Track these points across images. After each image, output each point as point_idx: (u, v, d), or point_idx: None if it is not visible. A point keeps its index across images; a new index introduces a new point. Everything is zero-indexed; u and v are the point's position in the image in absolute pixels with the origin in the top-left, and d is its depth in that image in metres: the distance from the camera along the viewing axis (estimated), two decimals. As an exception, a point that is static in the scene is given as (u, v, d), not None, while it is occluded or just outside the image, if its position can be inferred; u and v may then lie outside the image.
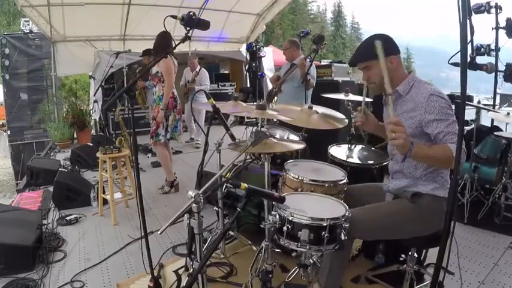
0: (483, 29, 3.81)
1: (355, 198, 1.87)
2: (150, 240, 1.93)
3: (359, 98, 3.20)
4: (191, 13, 1.78)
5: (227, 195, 2.57)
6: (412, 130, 1.64)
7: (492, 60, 3.74)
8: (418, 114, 1.62)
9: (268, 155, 1.90)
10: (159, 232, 1.40)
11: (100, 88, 5.90)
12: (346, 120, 2.03)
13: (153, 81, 3.77)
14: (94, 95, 6.24)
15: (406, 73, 1.75)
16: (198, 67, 6.17)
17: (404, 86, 1.71)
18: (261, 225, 1.66)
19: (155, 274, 2.01)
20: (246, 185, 1.27)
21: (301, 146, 2.00)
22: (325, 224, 1.44)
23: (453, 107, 1.64)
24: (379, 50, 1.38)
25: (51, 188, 3.79)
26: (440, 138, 1.55)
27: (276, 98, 3.97)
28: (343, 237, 1.48)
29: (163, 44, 3.43)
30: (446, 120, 1.55)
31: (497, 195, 3.03)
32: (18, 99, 7.54)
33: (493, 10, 3.66)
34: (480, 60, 3.31)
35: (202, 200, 1.28)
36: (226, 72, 9.99)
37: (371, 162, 2.42)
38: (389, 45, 1.70)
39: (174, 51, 2.41)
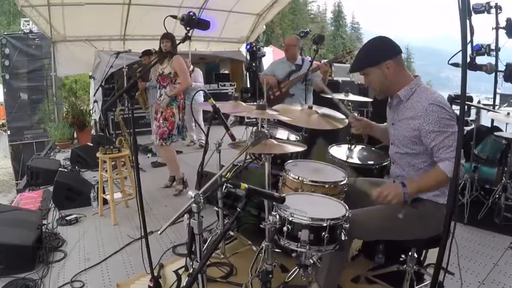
0: (483, 29, 3.80)
1: (355, 197, 1.87)
2: (150, 240, 1.93)
3: (359, 98, 3.21)
4: (191, 13, 1.78)
5: (227, 195, 2.57)
6: (409, 138, 1.66)
7: (492, 60, 3.74)
8: (417, 123, 1.61)
9: (268, 155, 1.90)
10: (159, 232, 1.40)
11: (100, 88, 5.90)
12: (346, 120, 2.03)
13: (163, 82, 3.69)
14: (94, 95, 6.24)
15: (410, 76, 1.71)
16: (192, 67, 6.14)
17: (406, 91, 1.68)
18: (261, 226, 1.66)
19: (155, 274, 2.02)
20: (246, 185, 1.27)
21: (301, 148, 2.00)
22: (325, 225, 1.44)
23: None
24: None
25: (51, 188, 3.79)
26: (435, 151, 1.56)
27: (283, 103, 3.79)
28: (343, 238, 1.48)
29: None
30: (445, 132, 1.53)
31: (497, 196, 3.02)
32: (18, 99, 7.53)
33: (493, 10, 3.66)
34: (480, 60, 3.30)
35: (202, 200, 1.28)
36: (226, 72, 9.97)
37: (371, 162, 2.41)
38: (384, 50, 1.69)
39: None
